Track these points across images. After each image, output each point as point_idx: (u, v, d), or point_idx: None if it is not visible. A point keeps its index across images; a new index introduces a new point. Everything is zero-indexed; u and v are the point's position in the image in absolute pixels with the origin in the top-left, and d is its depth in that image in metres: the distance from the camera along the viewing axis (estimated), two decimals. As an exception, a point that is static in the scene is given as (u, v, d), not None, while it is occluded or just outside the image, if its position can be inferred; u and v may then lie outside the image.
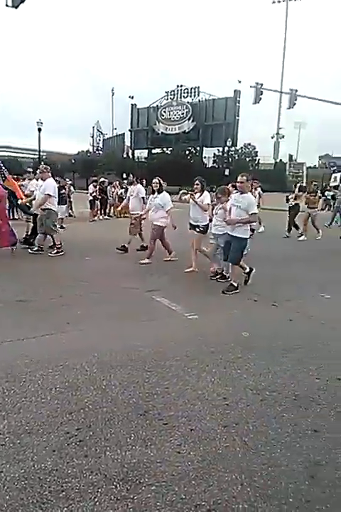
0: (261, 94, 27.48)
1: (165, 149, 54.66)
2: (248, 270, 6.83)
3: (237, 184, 6.71)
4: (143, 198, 9.96)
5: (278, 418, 3.03)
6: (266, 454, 2.63)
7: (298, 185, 14.83)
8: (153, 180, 8.70)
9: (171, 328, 4.84)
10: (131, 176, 10.53)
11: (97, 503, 2.20)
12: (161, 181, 8.66)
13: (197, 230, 7.67)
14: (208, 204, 7.62)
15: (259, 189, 14.39)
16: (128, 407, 3.12)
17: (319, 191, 28.75)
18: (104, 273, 7.58)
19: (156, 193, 8.58)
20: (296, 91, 28.97)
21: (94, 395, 3.26)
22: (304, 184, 18.64)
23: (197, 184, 7.72)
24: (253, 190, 13.08)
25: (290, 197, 13.76)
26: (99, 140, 68.35)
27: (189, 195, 7.66)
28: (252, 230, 8.63)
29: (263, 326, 4.98)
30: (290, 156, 54.43)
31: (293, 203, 13.40)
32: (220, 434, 2.83)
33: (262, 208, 13.91)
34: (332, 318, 5.33)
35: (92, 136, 67.05)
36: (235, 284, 6.49)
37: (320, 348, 4.34)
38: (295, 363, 3.93)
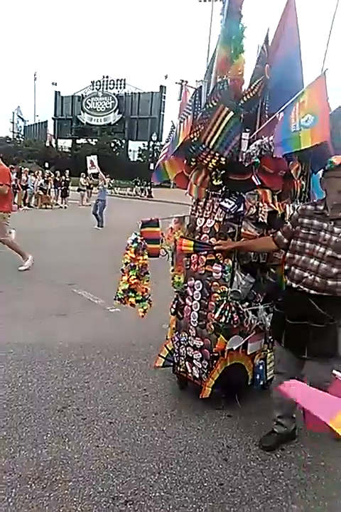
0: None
1: (89, 140, 53.55)
2: None
3: None
4: None
5: (196, 405, 3.14)
6: (182, 441, 2.72)
7: None
8: None
9: (92, 322, 4.78)
10: None
11: (11, 504, 2.13)
12: None
13: None
14: None
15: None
16: (46, 403, 3.04)
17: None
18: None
19: None
20: (219, 90, 29.92)
21: (9, 393, 3.13)
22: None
23: None
24: None
25: None
26: (20, 127, 64.91)
27: None
28: None
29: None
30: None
31: None
32: (139, 425, 2.87)
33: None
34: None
35: (12, 122, 63.41)
36: None
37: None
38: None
